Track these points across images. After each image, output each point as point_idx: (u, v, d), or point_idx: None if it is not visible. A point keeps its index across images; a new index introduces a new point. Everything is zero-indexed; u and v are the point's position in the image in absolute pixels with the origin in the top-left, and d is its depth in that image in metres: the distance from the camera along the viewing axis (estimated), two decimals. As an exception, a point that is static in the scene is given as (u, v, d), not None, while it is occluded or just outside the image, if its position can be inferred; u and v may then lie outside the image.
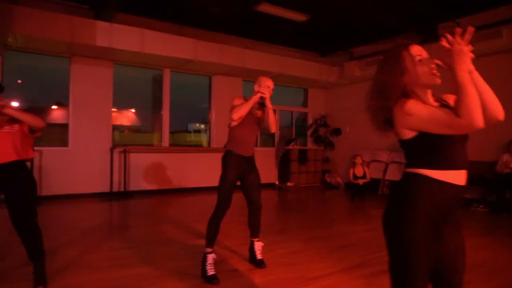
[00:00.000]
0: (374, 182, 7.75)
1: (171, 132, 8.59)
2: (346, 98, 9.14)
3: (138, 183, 7.06)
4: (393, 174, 7.79)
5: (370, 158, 8.37)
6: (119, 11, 5.90)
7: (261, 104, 2.98)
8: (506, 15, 5.88)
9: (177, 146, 8.33)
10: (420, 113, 1.32)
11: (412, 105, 1.34)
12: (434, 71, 1.41)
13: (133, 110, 8.20)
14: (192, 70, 7.72)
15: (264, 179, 8.57)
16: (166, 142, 7.68)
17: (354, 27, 7.50)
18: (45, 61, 6.57)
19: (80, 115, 6.55)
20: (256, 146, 8.79)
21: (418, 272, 1.30)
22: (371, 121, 1.49)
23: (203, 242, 2.93)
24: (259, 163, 9.47)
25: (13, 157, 2.47)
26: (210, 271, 2.78)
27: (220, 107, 8.19)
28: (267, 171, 9.00)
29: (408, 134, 1.38)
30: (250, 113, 2.96)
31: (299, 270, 3.05)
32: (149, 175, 7.18)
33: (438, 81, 1.43)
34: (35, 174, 5.98)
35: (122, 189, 6.81)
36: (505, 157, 5.99)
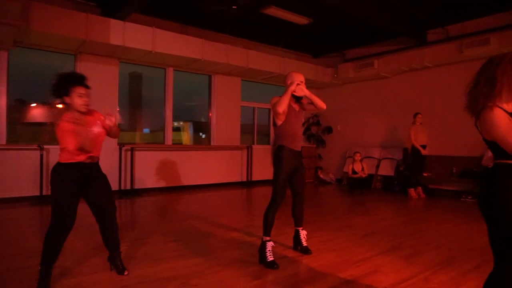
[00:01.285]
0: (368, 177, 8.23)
1: (152, 131, 8.62)
2: (339, 98, 9.59)
3: (144, 181, 7.11)
4: (386, 170, 8.31)
5: (363, 154, 8.84)
6: (136, 12, 5.95)
7: (297, 98, 3.23)
8: (494, 23, 6.50)
9: (179, 144, 8.41)
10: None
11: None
12: None
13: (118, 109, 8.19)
14: (196, 69, 7.84)
15: (261, 176, 9.00)
16: (169, 141, 7.75)
17: (349, 30, 7.93)
18: (49, 58, 6.47)
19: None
20: (253, 144, 9.16)
21: None
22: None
23: (239, 234, 3.17)
24: (256, 161, 9.83)
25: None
26: (270, 257, 3.02)
27: (220, 105, 8.37)
28: (265, 169, 9.29)
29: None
30: (291, 107, 3.20)
31: (342, 254, 3.35)
32: (154, 173, 7.24)
33: None
34: (44, 171, 5.92)
35: (129, 187, 6.83)
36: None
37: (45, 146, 5.99)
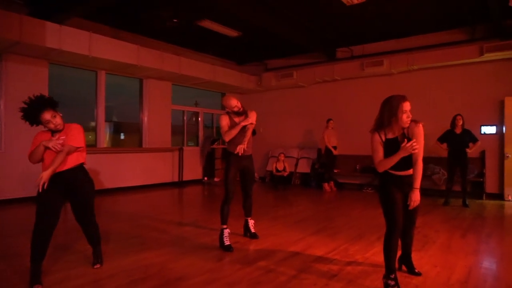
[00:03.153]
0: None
1: None
2: (261, 103, 10.56)
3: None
4: (303, 168, 9.52)
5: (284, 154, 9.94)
6: (76, 16, 5.96)
7: (239, 113, 3.86)
8: (387, 47, 8.09)
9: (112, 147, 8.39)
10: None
11: None
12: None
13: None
14: (129, 73, 7.98)
15: (191, 176, 9.49)
16: (102, 143, 7.75)
17: (272, 43, 8.89)
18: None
19: (13, 116, 6.24)
20: (184, 145, 9.57)
21: None
22: None
23: (191, 228, 3.79)
24: (187, 162, 10.38)
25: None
26: (226, 242, 3.68)
27: (151, 108, 8.62)
28: (195, 169, 9.79)
29: None
30: (233, 121, 3.84)
31: (282, 237, 4.16)
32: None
33: None
34: None
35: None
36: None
37: None
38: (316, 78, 9.12)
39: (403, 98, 2.52)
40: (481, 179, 7.18)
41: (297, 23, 7.27)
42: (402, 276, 2.90)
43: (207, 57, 9.58)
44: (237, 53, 9.94)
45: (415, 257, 3.20)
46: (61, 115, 2.87)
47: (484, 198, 7.05)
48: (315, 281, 2.81)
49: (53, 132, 2.85)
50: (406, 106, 2.49)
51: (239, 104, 3.80)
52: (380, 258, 3.28)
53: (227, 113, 3.87)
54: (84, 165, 3.04)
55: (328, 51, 8.93)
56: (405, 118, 2.49)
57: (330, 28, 7.72)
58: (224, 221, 3.78)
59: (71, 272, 2.98)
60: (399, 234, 2.62)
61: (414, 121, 2.56)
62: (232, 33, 7.89)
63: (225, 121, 3.82)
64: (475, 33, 7.18)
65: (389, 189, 2.63)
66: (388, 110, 2.52)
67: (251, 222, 4.17)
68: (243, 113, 3.84)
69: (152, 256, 3.44)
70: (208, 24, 7.25)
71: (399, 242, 2.78)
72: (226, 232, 3.74)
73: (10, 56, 6.18)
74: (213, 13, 6.78)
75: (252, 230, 4.14)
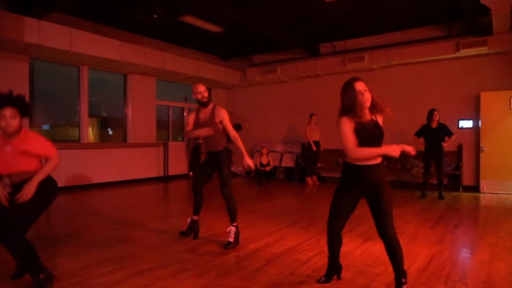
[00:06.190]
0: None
1: (52, 127, 8.36)
2: (246, 98, 10.64)
3: (62, 180, 7.05)
4: (287, 162, 9.65)
5: (269, 149, 10.05)
6: (56, 11, 5.95)
7: (203, 104, 3.76)
8: (368, 43, 8.22)
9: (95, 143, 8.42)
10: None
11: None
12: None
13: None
14: (112, 68, 7.99)
15: (177, 171, 9.55)
16: (85, 139, 7.77)
17: (255, 40, 8.95)
18: None
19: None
20: (168, 141, 9.62)
21: None
22: None
23: (170, 220, 3.88)
24: (172, 157, 10.37)
25: None
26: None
27: (135, 103, 8.64)
28: (180, 163, 9.85)
29: None
30: (198, 117, 3.78)
31: (258, 229, 4.29)
32: (72, 171, 7.23)
33: None
34: None
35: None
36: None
37: None
38: (299, 73, 9.22)
39: (354, 79, 2.41)
40: (458, 172, 7.39)
41: (278, 20, 7.36)
42: (364, 266, 3.04)
43: (192, 53, 9.60)
44: (222, 49, 9.98)
45: (382, 246, 3.32)
46: (22, 122, 2.65)
47: (460, 190, 7.26)
48: (281, 271, 2.93)
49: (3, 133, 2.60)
50: (359, 86, 2.36)
51: (204, 93, 3.69)
52: (349, 249, 3.43)
53: (196, 110, 3.85)
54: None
55: (310, 47, 9.04)
56: (362, 98, 2.34)
57: (311, 25, 7.81)
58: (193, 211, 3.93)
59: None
60: (340, 230, 2.65)
61: (378, 109, 2.47)
62: (214, 28, 7.94)
63: (190, 118, 3.84)
64: (452, 29, 7.34)
65: (345, 183, 2.55)
66: (346, 97, 2.41)
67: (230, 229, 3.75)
68: (206, 104, 3.72)
69: (133, 247, 3.53)
70: (190, 19, 7.29)
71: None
72: (188, 220, 3.91)
73: (-11, 52, 6.16)
74: (195, 9, 6.82)
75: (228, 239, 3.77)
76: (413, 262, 3.14)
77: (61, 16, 6.65)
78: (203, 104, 3.73)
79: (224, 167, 3.76)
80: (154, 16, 6.48)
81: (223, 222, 4.36)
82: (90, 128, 9.34)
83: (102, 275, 2.83)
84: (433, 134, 6.47)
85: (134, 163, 8.55)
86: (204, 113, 3.75)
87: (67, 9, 6.59)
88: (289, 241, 3.81)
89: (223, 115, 3.70)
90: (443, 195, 6.44)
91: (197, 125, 3.77)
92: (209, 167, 3.92)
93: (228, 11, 6.35)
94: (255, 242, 3.76)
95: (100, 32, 7.18)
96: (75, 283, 2.69)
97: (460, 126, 7.45)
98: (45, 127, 8.50)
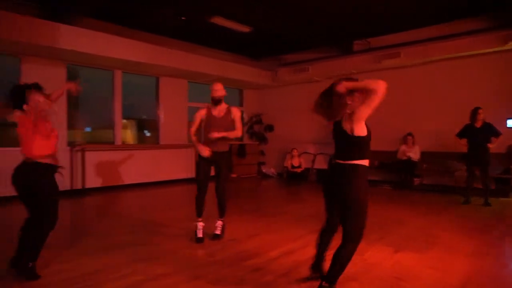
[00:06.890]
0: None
1: (94, 129, 8.70)
2: (277, 99, 10.47)
3: (95, 180, 7.30)
4: (321, 164, 9.36)
5: (300, 150, 9.82)
6: (86, 16, 6.14)
7: (217, 101, 3.94)
8: (405, 39, 7.74)
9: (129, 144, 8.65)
10: None
11: None
12: None
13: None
14: (142, 72, 8.16)
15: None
16: (119, 141, 7.99)
17: (285, 38, 8.76)
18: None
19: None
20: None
21: None
22: None
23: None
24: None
25: None
26: (199, 234, 3.83)
27: (167, 105, 8.77)
28: (211, 165, 9.84)
29: None
30: (210, 116, 3.90)
31: (283, 234, 4.12)
32: (106, 172, 7.46)
33: None
34: None
35: (80, 187, 7.01)
36: (403, 147, 7.88)
37: None
38: (331, 72, 8.90)
39: (334, 84, 2.44)
40: (508, 176, 6.75)
41: (308, 18, 7.12)
42: (395, 279, 2.79)
43: (221, 54, 9.56)
44: (251, 49, 9.88)
45: (414, 257, 3.07)
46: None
47: (510, 196, 6.63)
48: (302, 284, 2.75)
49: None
50: (340, 88, 2.38)
51: (221, 92, 3.89)
52: (378, 259, 3.18)
53: (207, 108, 3.96)
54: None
55: (343, 44, 8.70)
56: (350, 102, 2.39)
57: (342, 21, 7.48)
58: (197, 214, 3.90)
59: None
60: (328, 229, 2.82)
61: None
62: (243, 28, 7.84)
63: (201, 112, 3.96)
64: (497, 20, 6.72)
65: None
66: (335, 102, 2.42)
67: (218, 223, 4.00)
68: (219, 102, 3.90)
69: (145, 251, 3.51)
70: (218, 20, 7.25)
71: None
72: (199, 225, 3.87)
73: (28, 59, 6.46)
74: (224, 10, 6.77)
75: (215, 231, 3.94)
76: (442, 275, 2.83)
77: (89, 20, 6.80)
78: (219, 102, 3.90)
79: (226, 167, 4.00)
80: (183, 18, 6.49)
81: (247, 226, 4.24)
82: (128, 130, 9.63)
83: (117, 278, 2.81)
84: (477, 134, 5.95)
85: (166, 164, 8.67)
86: (219, 110, 3.93)
87: (94, 14, 6.76)
88: (312, 248, 3.60)
89: (237, 113, 3.98)
90: (489, 201, 5.90)
91: (212, 121, 3.89)
92: (209, 169, 3.96)
93: (257, 11, 6.23)
94: (277, 248, 3.60)
95: (129, 36, 7.31)
96: (89, 285, 2.68)
97: (509, 126, 6.81)
98: (87, 129, 8.91)
